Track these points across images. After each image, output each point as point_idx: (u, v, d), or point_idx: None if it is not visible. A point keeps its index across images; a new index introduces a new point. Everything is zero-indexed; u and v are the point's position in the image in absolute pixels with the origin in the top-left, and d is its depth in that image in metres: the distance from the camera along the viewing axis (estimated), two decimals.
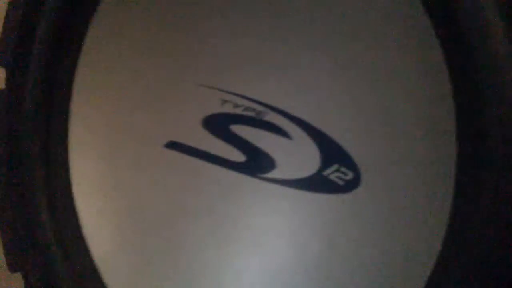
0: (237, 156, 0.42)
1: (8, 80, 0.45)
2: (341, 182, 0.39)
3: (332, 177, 0.39)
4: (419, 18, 0.34)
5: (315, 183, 0.40)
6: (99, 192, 0.45)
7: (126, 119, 0.45)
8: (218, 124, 0.42)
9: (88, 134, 0.45)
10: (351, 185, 0.39)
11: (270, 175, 0.41)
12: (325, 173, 0.39)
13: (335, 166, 0.39)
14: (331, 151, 0.39)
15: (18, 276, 0.46)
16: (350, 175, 0.39)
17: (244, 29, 0.41)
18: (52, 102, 0.45)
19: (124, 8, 0.44)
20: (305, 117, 0.40)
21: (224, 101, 0.42)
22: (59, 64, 0.44)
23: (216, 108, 0.42)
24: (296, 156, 0.40)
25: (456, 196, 0.34)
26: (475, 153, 0.33)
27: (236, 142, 0.42)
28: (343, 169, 0.39)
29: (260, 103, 0.41)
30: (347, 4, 0.37)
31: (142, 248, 0.45)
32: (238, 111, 0.41)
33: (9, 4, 0.43)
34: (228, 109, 0.42)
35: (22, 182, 0.45)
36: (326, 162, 0.39)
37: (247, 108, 0.41)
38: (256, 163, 0.41)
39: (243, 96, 0.41)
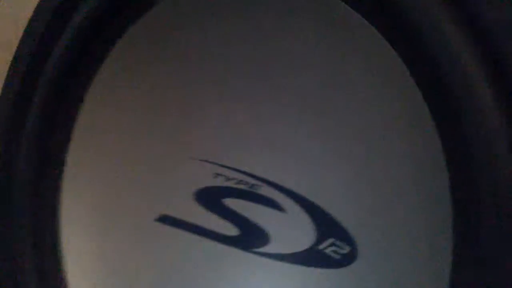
0: (230, 230, 0.41)
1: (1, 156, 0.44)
2: (337, 256, 0.38)
3: (328, 251, 0.38)
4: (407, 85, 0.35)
5: (310, 258, 0.39)
6: (91, 269, 0.44)
7: (117, 192, 0.44)
8: (210, 198, 0.42)
9: (79, 208, 0.44)
10: (348, 259, 0.38)
11: (264, 249, 0.40)
12: (321, 247, 0.39)
13: (331, 240, 0.38)
14: (326, 225, 0.38)
15: None
16: (346, 249, 0.38)
17: (236, 103, 0.41)
18: (43, 178, 0.44)
19: (117, 83, 0.43)
20: (298, 190, 0.39)
21: (217, 174, 0.41)
22: (51, 140, 0.44)
23: (208, 181, 0.42)
24: (290, 230, 0.39)
25: (454, 266, 0.34)
26: (471, 224, 0.32)
27: (229, 215, 0.41)
28: (339, 243, 0.38)
29: (253, 176, 0.40)
30: (338, 78, 0.37)
31: None
32: (231, 184, 0.41)
33: (5, 83, 0.43)
34: (220, 182, 0.41)
35: (12, 262, 0.44)
36: (321, 236, 0.39)
37: (240, 181, 0.41)
38: (250, 237, 0.41)
39: (235, 169, 0.41)
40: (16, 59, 0.43)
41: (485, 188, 0.32)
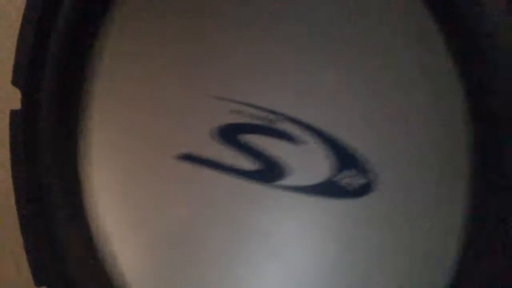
0: (250, 164, 0.42)
1: (23, 100, 0.45)
2: (354, 187, 0.38)
3: (345, 182, 0.39)
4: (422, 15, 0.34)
5: (328, 189, 0.39)
6: (114, 207, 0.45)
7: (137, 132, 0.45)
8: (229, 134, 0.42)
9: (101, 148, 0.45)
10: (364, 190, 0.38)
11: (283, 182, 0.41)
12: (338, 178, 0.39)
13: (348, 171, 0.39)
14: (343, 156, 0.39)
15: None
16: (363, 180, 0.38)
17: (252, 38, 0.41)
18: (66, 119, 0.45)
19: (135, 20, 0.43)
20: (315, 123, 0.39)
21: (234, 111, 0.42)
22: (72, 82, 0.44)
23: (226, 118, 0.42)
24: (308, 162, 0.40)
25: (471, 199, 0.34)
26: (490, 156, 0.32)
27: (248, 151, 0.42)
28: (356, 174, 0.38)
29: (270, 111, 0.41)
30: (355, 10, 0.37)
31: (161, 261, 0.45)
32: (249, 120, 0.41)
33: (22, 25, 0.43)
34: (238, 118, 0.42)
35: (43, 199, 0.45)
36: (338, 167, 0.39)
37: (257, 117, 0.41)
38: (269, 171, 0.41)
39: (251, 105, 0.41)
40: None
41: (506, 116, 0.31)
